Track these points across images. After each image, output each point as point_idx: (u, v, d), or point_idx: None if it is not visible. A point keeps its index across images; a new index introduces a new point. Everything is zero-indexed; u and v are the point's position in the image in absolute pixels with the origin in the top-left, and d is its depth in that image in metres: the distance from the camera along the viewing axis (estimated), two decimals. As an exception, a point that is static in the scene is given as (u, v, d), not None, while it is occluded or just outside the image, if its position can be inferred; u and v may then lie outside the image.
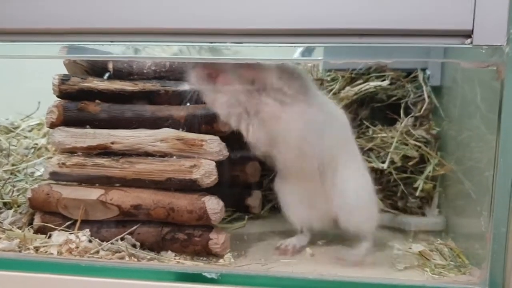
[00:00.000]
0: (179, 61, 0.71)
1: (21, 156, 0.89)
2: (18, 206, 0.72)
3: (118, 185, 0.64)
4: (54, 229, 0.64)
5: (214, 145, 0.61)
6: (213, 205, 0.60)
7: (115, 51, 0.70)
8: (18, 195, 0.73)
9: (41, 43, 0.65)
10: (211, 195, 0.62)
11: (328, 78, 0.88)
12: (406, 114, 0.84)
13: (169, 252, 0.63)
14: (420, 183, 0.77)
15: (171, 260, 0.62)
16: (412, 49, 0.60)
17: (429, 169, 0.78)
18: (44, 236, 0.65)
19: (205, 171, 0.60)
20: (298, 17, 0.59)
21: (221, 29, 0.60)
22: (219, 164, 0.64)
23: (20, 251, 0.63)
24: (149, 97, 0.68)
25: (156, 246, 0.63)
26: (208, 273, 0.57)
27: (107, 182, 0.64)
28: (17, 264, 0.60)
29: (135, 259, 0.61)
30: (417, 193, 0.77)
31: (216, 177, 0.61)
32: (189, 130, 0.64)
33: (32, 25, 0.63)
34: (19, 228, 0.67)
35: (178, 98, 0.67)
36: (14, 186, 0.78)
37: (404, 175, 0.80)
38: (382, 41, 0.58)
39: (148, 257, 0.62)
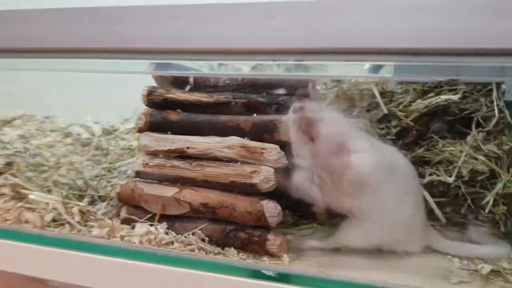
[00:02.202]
0: (253, 77, 0.78)
1: (118, 155, 1.01)
2: (111, 199, 0.83)
3: (190, 185, 0.72)
4: (136, 221, 0.74)
5: (273, 153, 0.67)
6: (271, 209, 0.66)
7: (196, 67, 0.79)
8: (111, 190, 0.85)
9: (135, 60, 0.76)
10: (270, 199, 0.67)
11: (399, 91, 0.89)
12: (480, 128, 0.83)
13: (232, 248, 0.69)
14: (490, 200, 0.76)
15: (235, 256, 0.68)
16: (488, 68, 0.61)
17: (499, 186, 0.76)
18: (128, 226, 0.75)
19: (264, 176, 0.66)
20: (374, 36, 0.63)
21: (301, 48, 0.66)
22: (286, 170, 0.69)
23: (108, 238, 0.73)
24: (222, 108, 0.75)
25: (220, 242, 0.70)
26: (266, 270, 0.63)
27: (181, 181, 0.73)
28: (105, 249, 0.70)
29: (203, 252, 0.69)
30: (487, 210, 0.76)
31: (275, 182, 0.67)
32: (254, 138, 0.70)
33: (129, 44, 0.74)
34: (110, 218, 0.77)
35: (247, 109, 0.73)
36: (108, 182, 0.90)
37: (472, 189, 0.79)
38: (457, 60, 0.60)
39: (216, 251, 0.69)
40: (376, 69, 0.74)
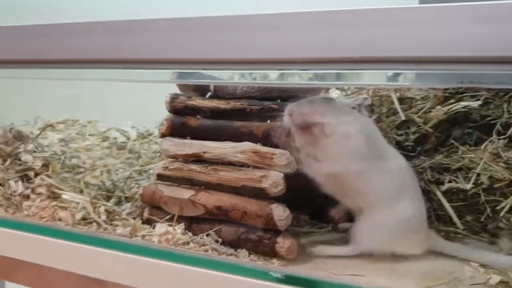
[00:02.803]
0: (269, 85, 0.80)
1: (149, 159, 1.07)
2: (136, 201, 0.87)
3: (205, 188, 0.76)
4: (156, 221, 0.78)
5: (282, 159, 0.69)
6: (280, 212, 0.68)
7: (218, 75, 0.82)
8: (137, 192, 0.89)
9: (159, 70, 0.80)
10: (279, 203, 0.69)
11: (419, 97, 0.88)
12: (503, 135, 0.81)
13: (244, 250, 0.72)
14: (505, 206, 0.74)
15: (245, 258, 0.71)
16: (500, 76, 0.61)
17: None
18: (149, 226, 0.79)
19: (272, 181, 0.68)
20: (391, 44, 0.64)
21: (312, 58, 0.68)
22: (304, 175, 0.72)
23: (130, 237, 0.77)
24: (238, 114, 0.78)
25: (233, 244, 0.72)
26: (274, 272, 0.65)
27: (197, 184, 0.76)
28: (127, 247, 0.74)
29: (216, 253, 0.72)
30: (502, 214, 0.75)
31: (283, 187, 0.69)
32: (266, 144, 0.73)
33: (154, 55, 0.79)
34: (134, 218, 0.81)
35: (261, 116, 0.76)
36: (137, 184, 0.95)
37: (493, 197, 0.77)
38: (479, 68, 0.59)
39: (228, 252, 0.71)
40: (395, 77, 0.75)
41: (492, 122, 0.82)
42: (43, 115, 1.30)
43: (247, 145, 0.73)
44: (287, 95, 0.77)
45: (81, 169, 1.02)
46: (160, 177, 0.80)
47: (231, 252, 0.71)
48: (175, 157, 0.80)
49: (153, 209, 0.81)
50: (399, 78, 0.74)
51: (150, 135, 1.23)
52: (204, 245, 0.73)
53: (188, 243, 0.74)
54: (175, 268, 0.70)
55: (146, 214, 0.81)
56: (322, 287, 0.64)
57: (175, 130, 0.82)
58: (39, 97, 1.40)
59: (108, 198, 0.87)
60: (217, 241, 0.73)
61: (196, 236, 0.74)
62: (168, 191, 0.78)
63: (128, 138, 1.23)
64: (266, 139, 0.73)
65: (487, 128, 0.83)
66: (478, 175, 0.77)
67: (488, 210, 0.77)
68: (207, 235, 0.74)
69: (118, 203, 0.87)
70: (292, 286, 0.64)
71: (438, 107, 0.85)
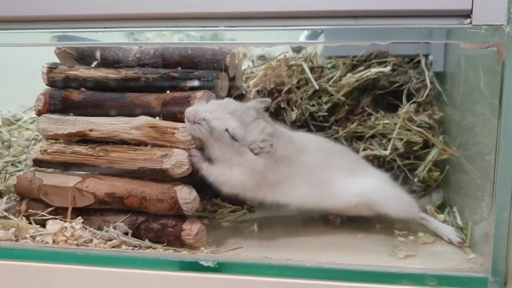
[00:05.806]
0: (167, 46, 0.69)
1: (22, 147, 0.90)
2: (13, 193, 0.72)
3: (94, 173, 0.64)
4: (40, 216, 0.65)
5: (186, 134, 0.60)
6: (185, 195, 0.59)
7: (106, 38, 0.69)
8: (14, 184, 0.74)
9: (32, 31, 0.65)
10: (184, 185, 0.60)
11: (329, 66, 0.84)
12: (409, 100, 0.80)
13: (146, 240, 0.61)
14: (422, 169, 0.75)
15: (168, 249, 0.60)
16: (413, 31, 0.57)
17: (432, 155, 0.75)
18: (38, 226, 0.64)
19: (176, 161, 0.59)
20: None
21: (216, 13, 0.58)
22: None
23: (17, 240, 0.63)
24: (132, 85, 0.66)
25: (132, 235, 0.62)
26: (205, 261, 0.56)
27: (84, 169, 0.64)
28: (15, 253, 0.59)
29: (128, 247, 0.60)
30: (417, 179, 0.76)
31: (189, 167, 0.59)
32: (166, 118, 0.62)
33: (24, 13, 0.64)
34: (13, 214, 0.67)
35: (159, 86, 0.65)
36: (11, 174, 0.79)
37: (408, 161, 0.76)
38: (380, 23, 0.56)
39: (144, 245, 0.61)
40: (309, 36, 0.69)
41: (401, 88, 0.80)
42: None
43: (143, 120, 0.62)
44: (188, 61, 0.67)
45: None
46: (38, 162, 0.67)
47: (147, 244, 0.60)
48: (56, 138, 0.66)
49: (31, 202, 0.67)
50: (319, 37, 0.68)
51: (18, 120, 1.04)
52: (110, 240, 0.61)
53: (91, 240, 0.61)
54: (84, 272, 0.57)
55: (23, 208, 0.67)
56: (260, 271, 0.56)
57: (54, 106, 0.68)
58: None
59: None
60: (126, 233, 0.62)
61: (101, 231, 0.61)
62: (48, 179, 0.65)
63: (-9, 126, 1.03)
64: (166, 112, 0.62)
65: (395, 94, 0.81)
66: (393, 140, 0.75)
67: (405, 173, 0.76)
68: (114, 227, 0.62)
69: (-7, 201, 0.71)
70: (226, 274, 0.55)
71: (349, 75, 0.81)
